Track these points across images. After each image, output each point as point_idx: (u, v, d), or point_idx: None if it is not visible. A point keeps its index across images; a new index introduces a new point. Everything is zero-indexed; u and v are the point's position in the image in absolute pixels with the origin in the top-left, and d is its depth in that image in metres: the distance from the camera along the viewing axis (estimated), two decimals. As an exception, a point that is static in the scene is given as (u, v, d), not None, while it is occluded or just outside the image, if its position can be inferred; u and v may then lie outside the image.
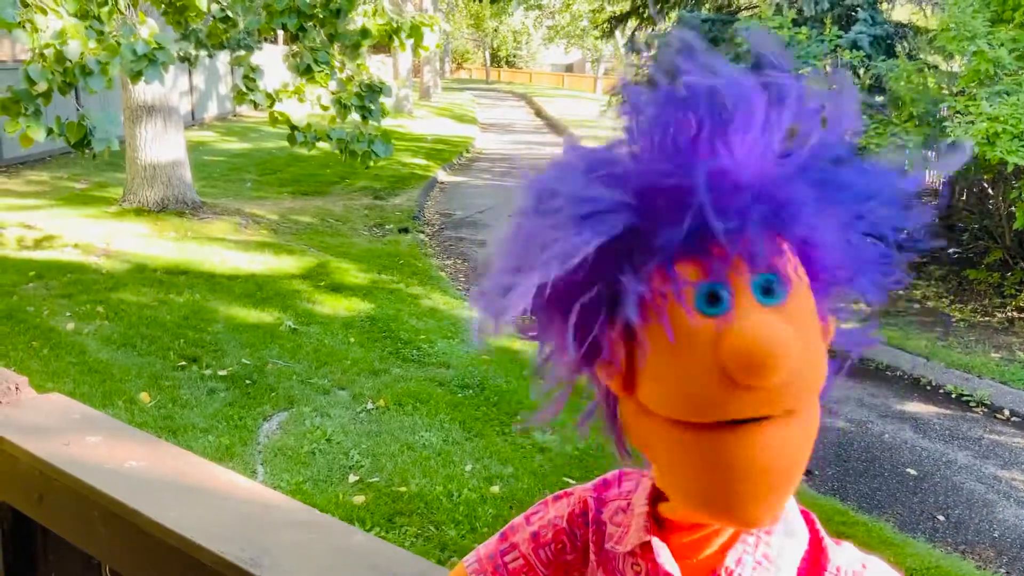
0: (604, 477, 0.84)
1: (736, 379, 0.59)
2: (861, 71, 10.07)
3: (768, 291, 0.62)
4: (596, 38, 31.50)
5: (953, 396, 6.47)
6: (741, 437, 0.62)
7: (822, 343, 0.67)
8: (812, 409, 0.65)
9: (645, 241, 0.62)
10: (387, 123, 7.32)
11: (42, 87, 4.62)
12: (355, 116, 6.87)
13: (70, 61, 4.56)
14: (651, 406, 0.65)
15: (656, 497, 0.76)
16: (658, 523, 0.75)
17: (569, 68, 57.49)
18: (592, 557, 0.81)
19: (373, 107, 6.83)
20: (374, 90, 6.83)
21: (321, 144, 6.94)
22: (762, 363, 0.58)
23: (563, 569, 0.84)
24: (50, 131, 4.86)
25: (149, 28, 5.00)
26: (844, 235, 0.65)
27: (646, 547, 0.75)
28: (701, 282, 0.62)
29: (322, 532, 1.15)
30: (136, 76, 4.98)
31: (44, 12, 4.63)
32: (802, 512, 0.76)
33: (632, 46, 16.25)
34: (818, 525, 0.76)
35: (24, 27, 4.56)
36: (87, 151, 4.94)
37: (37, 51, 4.63)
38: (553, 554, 0.84)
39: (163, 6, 5.90)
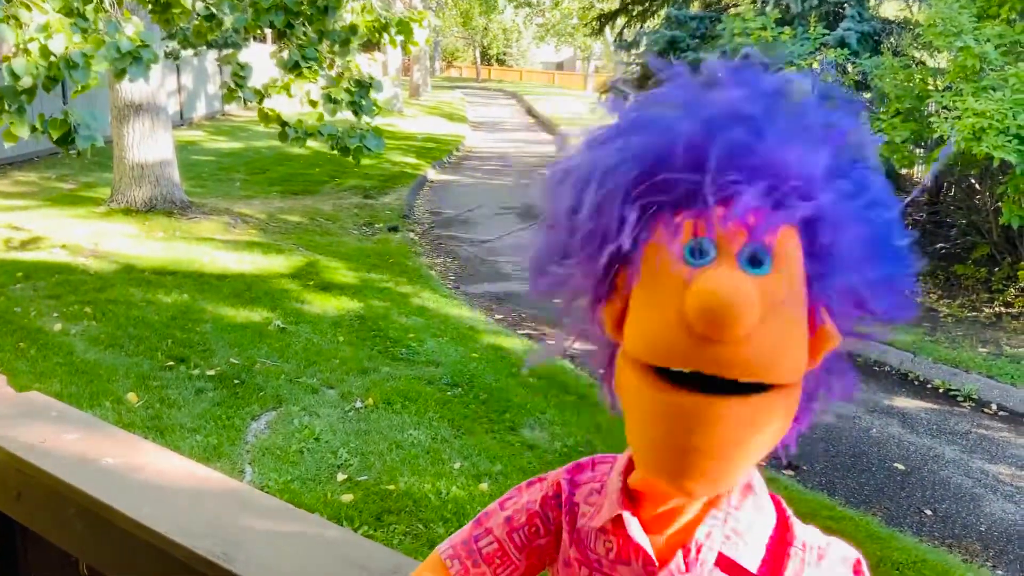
0: (578, 461, 0.85)
1: (694, 327, 0.61)
2: (848, 67, 10.10)
3: (753, 261, 0.64)
4: (585, 35, 31.51)
5: (941, 391, 6.50)
6: (693, 403, 0.63)
7: (801, 334, 0.67)
8: (778, 400, 0.65)
9: (656, 186, 0.66)
10: (377, 121, 7.31)
11: (26, 83, 4.58)
12: (347, 114, 6.85)
13: (55, 55, 4.53)
14: (628, 347, 0.68)
15: (630, 471, 0.78)
16: (630, 499, 0.76)
17: (560, 66, 57.50)
18: (565, 536, 0.82)
19: (364, 103, 6.81)
20: (363, 86, 6.81)
21: (312, 143, 6.92)
22: (716, 314, 0.60)
23: (536, 554, 0.85)
24: (34, 128, 4.84)
25: (134, 26, 4.98)
26: (856, 235, 0.67)
27: (618, 522, 0.77)
28: (693, 235, 0.65)
29: (296, 527, 1.15)
30: (120, 74, 4.95)
31: (28, 8, 4.60)
32: (770, 495, 0.77)
33: (621, 43, 16.26)
34: (785, 505, 0.78)
35: (7, 22, 4.53)
36: (71, 148, 4.91)
37: (21, 46, 4.60)
38: (526, 538, 0.84)
39: (149, 4, 5.88)
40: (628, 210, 0.66)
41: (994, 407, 6.24)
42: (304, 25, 6.36)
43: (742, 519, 0.74)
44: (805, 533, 0.77)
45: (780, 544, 0.75)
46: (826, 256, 0.66)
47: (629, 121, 0.70)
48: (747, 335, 0.61)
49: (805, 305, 0.66)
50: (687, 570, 0.74)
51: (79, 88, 4.67)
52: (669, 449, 0.66)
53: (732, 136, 0.65)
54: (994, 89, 7.36)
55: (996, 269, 8.75)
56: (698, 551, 0.73)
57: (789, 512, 0.77)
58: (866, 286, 0.69)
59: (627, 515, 0.75)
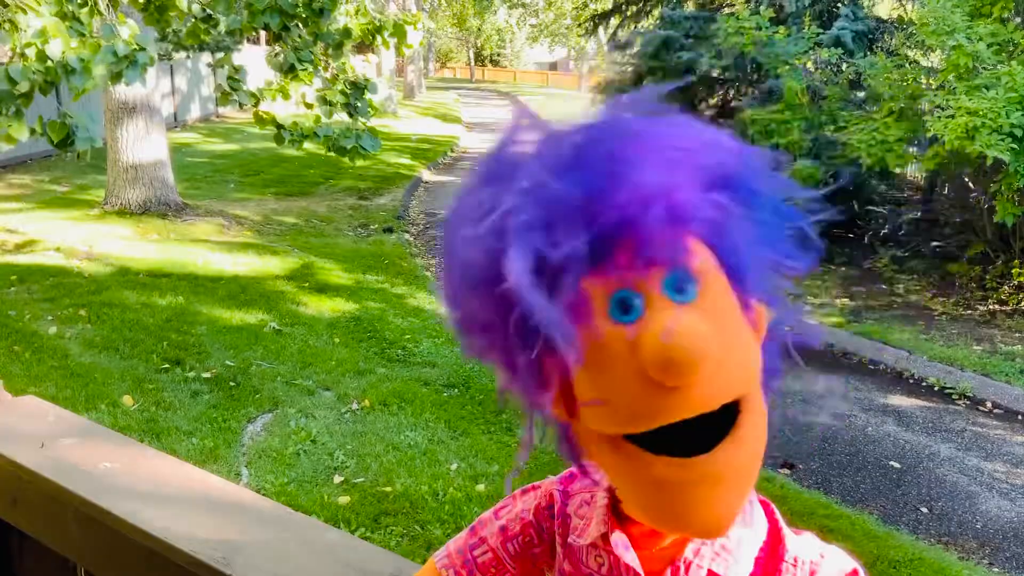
0: (571, 470, 0.85)
1: (658, 380, 0.59)
2: (843, 66, 10.12)
3: (680, 289, 0.62)
4: (579, 35, 31.51)
5: (936, 389, 6.52)
6: (679, 473, 0.62)
7: (749, 333, 0.66)
8: (750, 417, 0.65)
9: (550, 263, 0.62)
10: (372, 122, 7.30)
11: (24, 87, 4.57)
12: (342, 115, 6.84)
13: (51, 60, 4.51)
14: (593, 425, 0.66)
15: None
16: (618, 514, 0.76)
17: (553, 66, 57.49)
18: (559, 549, 0.82)
19: (359, 104, 6.80)
20: (359, 87, 6.80)
21: (308, 144, 6.91)
22: (680, 360, 0.58)
23: (531, 562, 0.84)
24: (33, 131, 4.82)
25: (129, 29, 4.96)
26: (746, 225, 0.66)
27: (607, 538, 0.76)
28: (612, 292, 0.62)
29: (295, 530, 1.15)
30: (116, 77, 4.94)
31: (24, 12, 4.58)
32: (761, 502, 0.77)
33: (615, 43, 16.28)
34: (777, 515, 0.76)
35: (4, 27, 4.52)
36: (70, 150, 4.89)
37: (18, 51, 4.59)
38: (521, 547, 0.84)
39: (143, 4, 5.85)
40: (532, 299, 0.62)
41: (989, 405, 6.25)
42: (299, 27, 6.35)
43: (732, 534, 0.73)
44: (798, 546, 0.75)
45: (771, 558, 0.74)
46: (731, 256, 0.66)
47: (489, 213, 0.65)
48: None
49: (739, 307, 0.66)
50: None
51: (79, 92, 4.65)
52: (669, 516, 0.66)
53: (599, 185, 0.62)
54: (987, 88, 7.37)
55: (990, 267, 8.77)
56: (687, 569, 0.73)
57: (781, 523, 0.76)
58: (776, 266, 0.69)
59: (615, 535, 0.75)
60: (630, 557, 0.74)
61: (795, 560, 0.74)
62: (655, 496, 0.65)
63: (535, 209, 0.63)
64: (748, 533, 0.74)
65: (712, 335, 0.59)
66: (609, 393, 0.62)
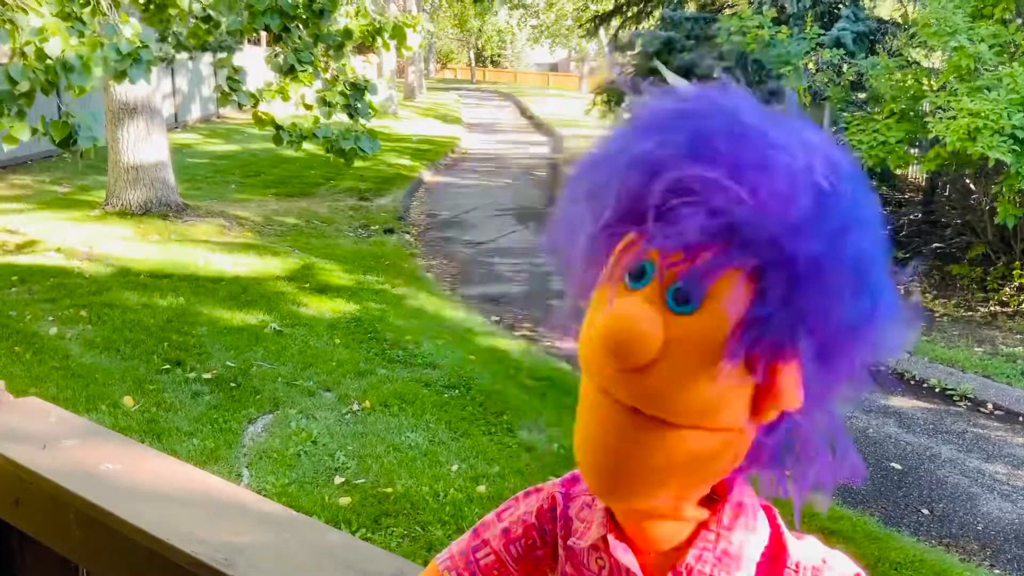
0: (574, 472, 0.84)
1: (599, 352, 0.63)
2: (844, 67, 10.12)
3: (681, 298, 0.60)
4: (580, 37, 31.54)
5: (937, 390, 6.52)
6: (618, 411, 0.64)
7: (713, 382, 0.61)
8: (695, 439, 0.63)
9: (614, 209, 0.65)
10: (372, 123, 7.31)
11: (24, 87, 4.57)
12: (342, 116, 6.85)
13: (51, 58, 4.51)
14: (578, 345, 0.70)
15: None
16: (614, 519, 0.76)
17: (554, 67, 57.53)
18: (561, 552, 0.82)
19: (359, 105, 6.81)
20: (359, 88, 6.81)
21: (307, 145, 6.91)
22: (614, 341, 0.61)
23: (533, 564, 0.84)
24: (35, 130, 4.82)
25: (132, 27, 4.97)
26: (825, 281, 0.60)
27: (608, 541, 0.75)
28: (637, 258, 0.64)
29: (297, 531, 1.15)
30: (120, 75, 4.94)
31: (25, 12, 4.58)
32: (764, 507, 0.76)
33: (616, 45, 16.28)
34: (779, 520, 0.76)
35: (4, 27, 4.52)
36: (72, 150, 4.89)
37: (18, 50, 4.59)
38: (523, 549, 0.84)
39: (143, 4, 5.85)
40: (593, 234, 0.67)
41: (990, 406, 6.25)
42: (299, 28, 6.36)
43: (734, 540, 0.73)
44: (800, 551, 0.75)
45: (773, 564, 0.74)
46: (783, 305, 0.59)
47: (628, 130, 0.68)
48: (647, 368, 0.60)
49: (732, 354, 0.60)
50: None
51: (79, 91, 4.65)
52: (590, 445, 0.68)
53: (684, 160, 0.61)
54: (989, 89, 7.38)
55: (991, 268, 8.78)
56: (688, 574, 0.72)
57: (783, 528, 0.76)
58: (830, 337, 0.63)
59: (611, 537, 0.75)
60: (629, 560, 0.73)
61: (797, 566, 0.74)
62: (583, 419, 0.68)
63: (629, 159, 0.64)
64: (750, 538, 0.74)
65: (652, 340, 0.60)
66: (586, 330, 0.67)
